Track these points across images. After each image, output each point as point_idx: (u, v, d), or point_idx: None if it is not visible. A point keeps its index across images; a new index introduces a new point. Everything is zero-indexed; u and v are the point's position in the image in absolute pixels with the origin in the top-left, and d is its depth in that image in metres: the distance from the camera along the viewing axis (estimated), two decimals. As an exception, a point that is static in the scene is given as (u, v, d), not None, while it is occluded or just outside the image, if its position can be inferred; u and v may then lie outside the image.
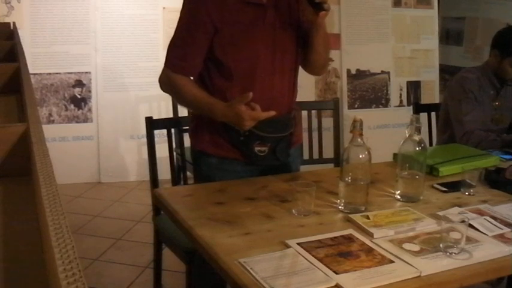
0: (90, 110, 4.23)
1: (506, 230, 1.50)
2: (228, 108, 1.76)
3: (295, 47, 1.91)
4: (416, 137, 1.71)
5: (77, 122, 4.22)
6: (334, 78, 4.36)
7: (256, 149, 1.87)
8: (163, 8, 4.26)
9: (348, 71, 4.37)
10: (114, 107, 4.24)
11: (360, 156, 1.60)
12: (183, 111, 3.48)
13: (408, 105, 4.46)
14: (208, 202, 1.67)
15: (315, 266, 1.27)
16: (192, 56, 1.84)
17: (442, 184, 1.86)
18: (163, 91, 1.97)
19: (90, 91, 4.22)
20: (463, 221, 1.36)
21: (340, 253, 1.34)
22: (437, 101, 4.34)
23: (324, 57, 1.96)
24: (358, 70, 4.40)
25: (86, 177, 4.24)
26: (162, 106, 4.20)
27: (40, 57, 4.10)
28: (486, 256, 1.35)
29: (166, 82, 1.90)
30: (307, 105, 2.77)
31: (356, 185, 1.61)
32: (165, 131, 2.42)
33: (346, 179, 1.61)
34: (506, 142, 2.38)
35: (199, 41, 1.81)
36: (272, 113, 1.76)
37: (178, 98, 1.97)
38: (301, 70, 2.00)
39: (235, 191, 1.75)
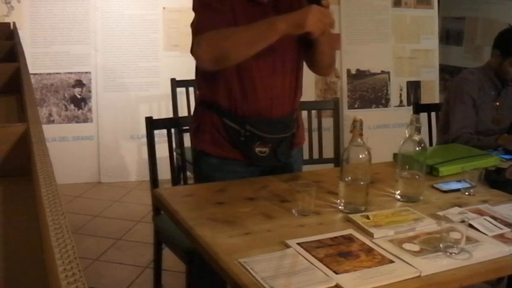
0: (90, 110, 4.23)
1: (506, 230, 1.50)
2: (290, 12, 1.66)
3: (296, 47, 1.90)
4: (416, 137, 1.71)
5: (77, 122, 4.22)
6: (334, 78, 4.36)
7: (257, 149, 1.87)
8: (163, 8, 4.25)
9: (348, 71, 4.38)
10: (114, 107, 4.24)
11: (360, 156, 1.60)
12: (183, 111, 3.50)
13: (408, 105, 4.46)
14: (208, 202, 1.67)
15: (315, 266, 1.27)
16: (220, 19, 1.74)
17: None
18: (208, 60, 1.73)
19: (90, 91, 4.22)
20: (463, 221, 1.36)
21: (340, 253, 1.34)
22: (437, 101, 4.35)
23: (329, 57, 1.94)
24: (358, 70, 4.40)
25: (86, 177, 4.24)
26: (162, 106, 4.21)
27: (40, 57, 4.10)
28: (486, 256, 1.35)
29: (209, 43, 1.69)
30: (307, 105, 2.77)
31: (356, 185, 1.61)
32: (165, 131, 2.42)
33: (346, 179, 1.61)
34: (484, 146, 2.36)
35: (221, 11, 1.75)
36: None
37: (230, 43, 1.70)
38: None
39: (235, 191, 1.75)
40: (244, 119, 1.85)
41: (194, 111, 2.01)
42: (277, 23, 1.64)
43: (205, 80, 1.90)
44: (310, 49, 1.89)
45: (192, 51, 1.75)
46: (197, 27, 1.75)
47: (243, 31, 1.70)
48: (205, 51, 1.71)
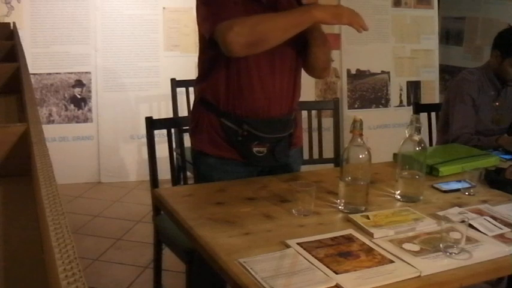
0: (90, 110, 4.23)
1: (506, 230, 1.50)
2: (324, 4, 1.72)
3: (295, 48, 1.90)
4: (416, 137, 1.71)
5: (77, 122, 4.22)
6: (334, 78, 4.36)
7: (255, 149, 1.86)
8: (163, 8, 4.25)
9: (348, 71, 4.37)
10: (114, 107, 4.24)
11: (360, 156, 1.60)
12: (183, 111, 3.50)
13: (408, 105, 4.46)
14: (208, 202, 1.67)
15: (315, 266, 1.27)
16: (235, 10, 1.74)
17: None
18: (241, 46, 1.67)
19: (90, 91, 4.22)
20: (463, 221, 1.36)
21: (340, 253, 1.34)
22: (437, 101, 4.35)
23: (322, 60, 1.94)
24: (358, 70, 4.40)
25: (86, 177, 4.24)
26: (162, 106, 4.21)
27: (40, 57, 4.10)
28: (486, 256, 1.35)
29: (241, 29, 1.66)
30: (307, 105, 2.77)
31: (356, 185, 1.61)
32: (165, 131, 2.42)
33: (346, 179, 1.61)
34: (484, 146, 2.37)
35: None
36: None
37: (264, 28, 1.69)
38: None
39: (235, 191, 1.75)
40: (241, 118, 1.85)
41: (192, 111, 2.01)
42: (313, 11, 1.68)
43: (204, 80, 1.90)
44: (304, 52, 1.90)
45: (221, 36, 1.68)
46: (216, 15, 1.71)
47: (279, 16, 1.72)
48: (240, 34, 1.66)
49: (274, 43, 1.73)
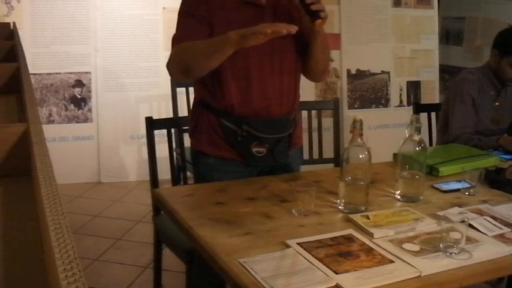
0: (90, 110, 4.23)
1: (506, 230, 1.50)
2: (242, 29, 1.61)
3: (294, 50, 1.90)
4: (416, 137, 1.71)
5: (77, 122, 4.22)
6: (334, 78, 4.36)
7: (254, 149, 1.86)
8: (163, 8, 4.25)
9: (348, 71, 4.37)
10: (114, 107, 4.24)
11: (360, 156, 1.60)
12: (183, 111, 3.50)
13: (408, 105, 4.46)
14: (208, 202, 1.67)
15: (315, 266, 1.27)
16: (192, 27, 1.78)
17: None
18: (176, 72, 1.81)
19: (90, 91, 4.22)
20: (463, 221, 1.36)
21: (340, 253, 1.34)
22: (437, 101, 4.34)
23: (322, 64, 1.96)
24: (358, 70, 4.40)
25: (86, 177, 4.24)
26: (162, 106, 4.21)
27: (40, 57, 4.10)
28: (486, 256, 1.35)
29: (175, 56, 1.77)
30: (307, 105, 2.77)
31: (356, 185, 1.61)
32: (165, 131, 2.42)
33: (346, 179, 1.61)
34: (484, 146, 2.37)
35: (198, 16, 1.78)
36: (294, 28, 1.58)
37: (191, 55, 1.74)
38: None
39: (235, 191, 1.75)
40: (241, 119, 1.85)
41: (191, 111, 2.01)
42: (230, 34, 1.62)
43: (203, 80, 1.89)
44: (304, 56, 1.90)
45: (166, 64, 1.82)
46: (172, 40, 1.80)
47: (200, 43, 1.73)
48: (172, 65, 1.80)
49: (201, 71, 1.76)
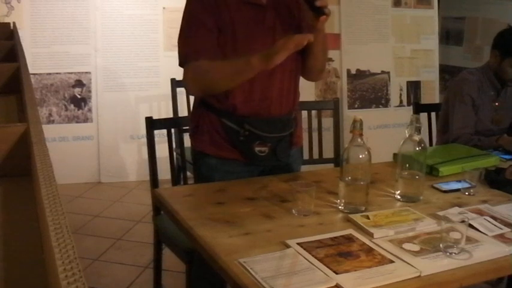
0: (90, 110, 4.23)
1: (506, 230, 1.50)
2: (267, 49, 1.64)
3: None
4: (416, 137, 1.71)
5: (77, 122, 4.22)
6: (334, 78, 4.36)
7: (257, 149, 1.87)
8: (163, 8, 4.25)
9: (348, 71, 4.37)
10: (114, 107, 4.24)
11: (360, 156, 1.60)
12: (183, 111, 3.50)
13: (408, 105, 4.46)
14: (208, 202, 1.67)
15: (315, 266, 1.27)
16: (206, 39, 1.79)
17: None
18: (196, 91, 1.90)
19: (90, 91, 4.22)
20: (463, 221, 1.36)
21: (340, 253, 1.34)
22: (437, 101, 4.34)
23: (321, 63, 1.97)
24: (358, 70, 4.40)
25: (86, 177, 4.24)
26: (162, 106, 4.21)
27: (40, 57, 4.10)
28: (486, 256, 1.35)
29: (194, 75, 1.80)
30: (307, 105, 2.77)
31: (356, 185, 1.61)
32: (165, 131, 2.42)
33: (346, 179, 1.61)
34: (484, 146, 2.37)
35: (209, 24, 1.78)
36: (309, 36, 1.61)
37: (212, 77, 1.78)
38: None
39: (235, 191, 1.75)
40: (242, 118, 1.85)
41: (192, 112, 2.01)
42: (252, 60, 1.66)
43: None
44: (304, 55, 1.90)
45: (183, 77, 1.84)
46: (186, 54, 1.80)
47: (221, 66, 1.76)
48: (192, 82, 1.84)
49: (225, 88, 1.81)
